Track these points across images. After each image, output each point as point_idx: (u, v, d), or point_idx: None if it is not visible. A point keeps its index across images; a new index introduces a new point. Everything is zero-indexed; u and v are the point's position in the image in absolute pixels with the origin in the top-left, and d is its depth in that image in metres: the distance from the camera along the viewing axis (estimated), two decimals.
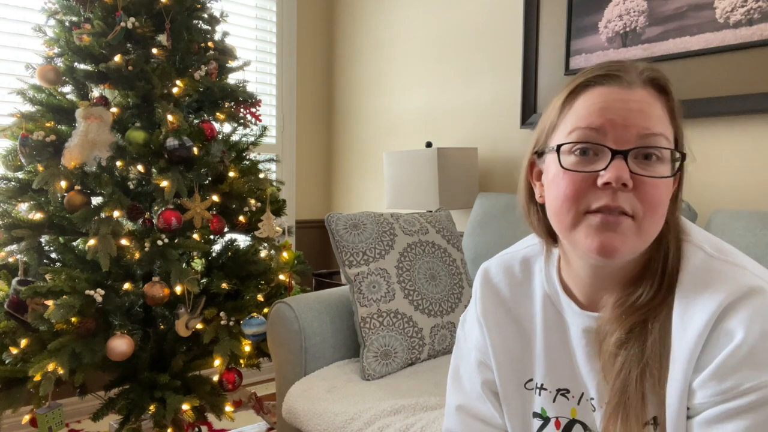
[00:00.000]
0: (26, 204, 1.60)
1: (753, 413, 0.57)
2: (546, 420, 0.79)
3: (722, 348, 0.59)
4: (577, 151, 0.66)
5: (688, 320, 0.62)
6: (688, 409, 0.62)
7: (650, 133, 0.63)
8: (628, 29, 1.81)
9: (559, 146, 0.67)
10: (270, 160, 1.97)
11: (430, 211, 1.95)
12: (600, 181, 0.63)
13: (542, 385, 0.79)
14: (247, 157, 1.87)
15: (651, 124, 0.64)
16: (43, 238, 1.61)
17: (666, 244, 0.68)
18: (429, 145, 2.25)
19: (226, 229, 1.74)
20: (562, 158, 0.67)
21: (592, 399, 0.74)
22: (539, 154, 0.73)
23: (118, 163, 1.58)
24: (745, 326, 0.58)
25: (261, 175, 1.83)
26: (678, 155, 0.66)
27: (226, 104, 1.83)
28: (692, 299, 0.62)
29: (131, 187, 1.60)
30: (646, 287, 0.67)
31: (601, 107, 0.65)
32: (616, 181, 0.62)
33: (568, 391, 0.77)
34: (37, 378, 1.41)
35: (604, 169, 0.63)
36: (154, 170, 1.60)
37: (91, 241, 1.48)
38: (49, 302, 1.45)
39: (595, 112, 0.65)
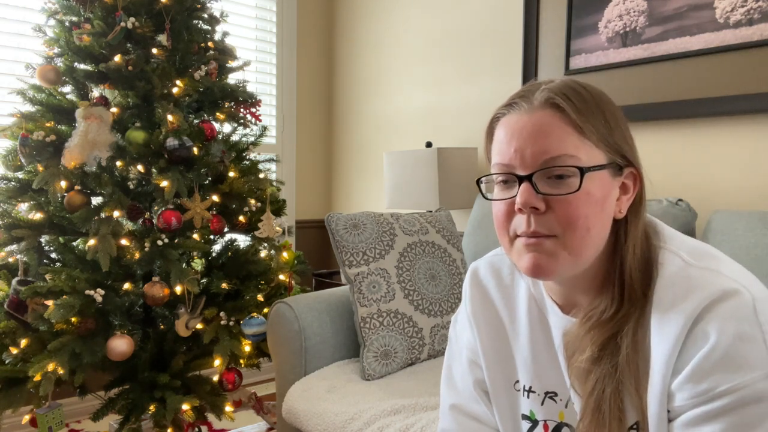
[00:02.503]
0: (26, 204, 1.60)
1: (728, 416, 0.57)
2: (535, 423, 0.79)
3: (698, 350, 0.59)
4: (499, 181, 0.70)
5: (665, 326, 0.62)
6: (668, 412, 0.63)
7: (549, 156, 0.65)
8: (628, 29, 1.81)
9: (478, 180, 0.73)
10: (270, 160, 1.97)
11: (430, 211, 1.95)
12: (515, 208, 0.66)
13: (530, 387, 0.79)
14: (247, 157, 1.87)
15: (549, 146, 0.65)
16: (43, 238, 1.61)
17: (621, 253, 0.68)
18: (429, 145, 2.25)
19: (226, 229, 1.74)
20: (489, 188, 0.72)
21: (574, 404, 0.75)
22: None
23: (118, 163, 1.58)
24: (719, 329, 0.58)
25: (261, 175, 1.83)
26: (576, 170, 0.64)
27: (226, 104, 1.83)
28: (669, 307, 0.63)
29: (131, 187, 1.60)
30: (608, 300, 0.68)
31: (507, 138, 0.68)
32: (523, 205, 0.65)
33: (556, 395, 0.77)
34: (37, 378, 1.41)
35: (516, 195, 0.66)
36: (154, 170, 1.60)
37: (91, 241, 1.48)
38: (49, 302, 1.45)
39: (504, 143, 0.68)
